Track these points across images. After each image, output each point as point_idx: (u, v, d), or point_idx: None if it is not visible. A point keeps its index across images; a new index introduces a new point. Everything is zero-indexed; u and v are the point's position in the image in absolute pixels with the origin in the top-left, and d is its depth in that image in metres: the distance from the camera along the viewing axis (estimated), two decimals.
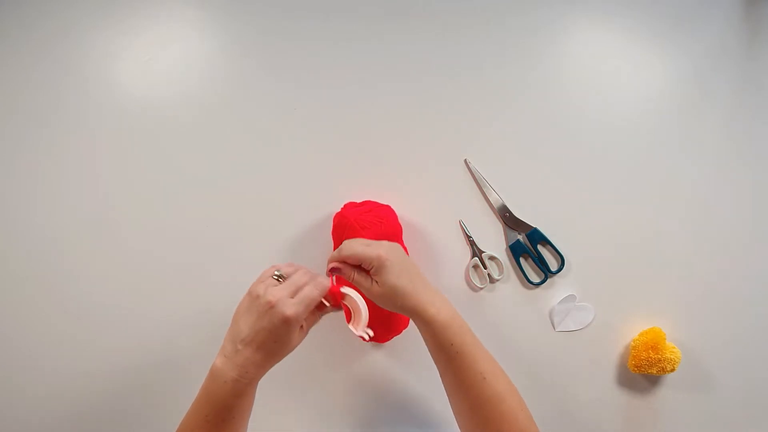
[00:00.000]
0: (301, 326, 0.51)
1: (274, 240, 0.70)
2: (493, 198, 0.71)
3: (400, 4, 0.72)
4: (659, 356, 0.66)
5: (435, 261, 0.71)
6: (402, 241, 0.67)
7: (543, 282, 0.71)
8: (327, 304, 0.54)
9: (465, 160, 0.71)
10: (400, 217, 0.69)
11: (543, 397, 0.71)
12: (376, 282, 0.53)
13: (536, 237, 0.70)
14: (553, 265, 0.71)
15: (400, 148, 0.72)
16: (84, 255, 0.70)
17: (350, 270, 0.54)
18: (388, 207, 0.68)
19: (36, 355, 0.69)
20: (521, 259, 0.71)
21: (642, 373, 0.68)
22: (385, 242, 0.55)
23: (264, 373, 0.51)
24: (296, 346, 0.51)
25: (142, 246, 0.70)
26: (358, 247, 0.53)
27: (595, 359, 0.71)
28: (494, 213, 0.71)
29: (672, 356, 0.66)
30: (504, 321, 0.71)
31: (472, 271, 0.70)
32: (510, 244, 0.70)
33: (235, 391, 0.48)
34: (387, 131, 0.72)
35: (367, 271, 0.54)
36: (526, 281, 0.71)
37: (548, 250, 0.71)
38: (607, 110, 0.72)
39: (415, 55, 0.72)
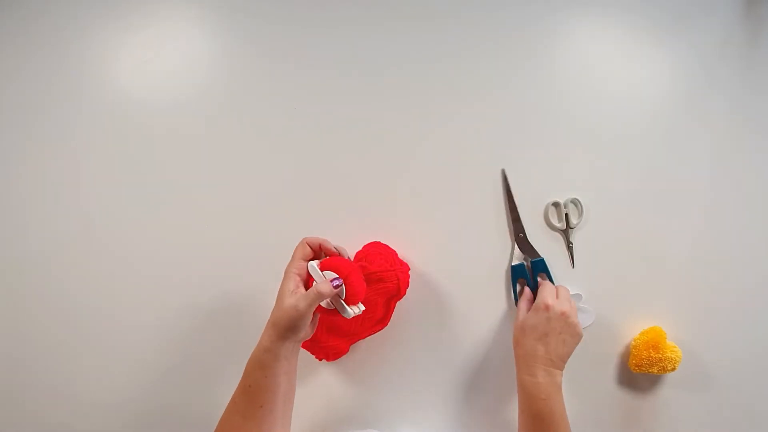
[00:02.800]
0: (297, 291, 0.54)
1: (276, 244, 0.69)
2: (513, 215, 0.70)
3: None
4: (660, 355, 0.66)
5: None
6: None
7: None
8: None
9: (503, 170, 0.71)
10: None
11: None
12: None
13: (539, 267, 0.70)
14: None
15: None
16: (78, 258, 0.69)
17: None
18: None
19: (26, 359, 0.69)
20: (517, 284, 0.70)
21: (643, 372, 0.68)
22: None
23: (278, 347, 0.52)
24: (297, 311, 0.51)
25: (138, 250, 0.70)
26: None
27: (596, 358, 0.71)
28: (509, 231, 0.71)
29: (673, 355, 0.66)
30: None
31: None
32: (513, 264, 0.70)
33: (255, 359, 0.53)
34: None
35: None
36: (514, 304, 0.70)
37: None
38: (609, 111, 0.72)
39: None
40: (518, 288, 0.70)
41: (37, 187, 0.70)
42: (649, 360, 0.66)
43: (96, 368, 0.69)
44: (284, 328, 0.52)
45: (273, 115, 0.71)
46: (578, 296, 0.70)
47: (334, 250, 0.57)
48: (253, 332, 0.55)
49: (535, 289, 0.69)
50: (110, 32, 0.71)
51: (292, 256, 0.56)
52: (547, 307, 0.62)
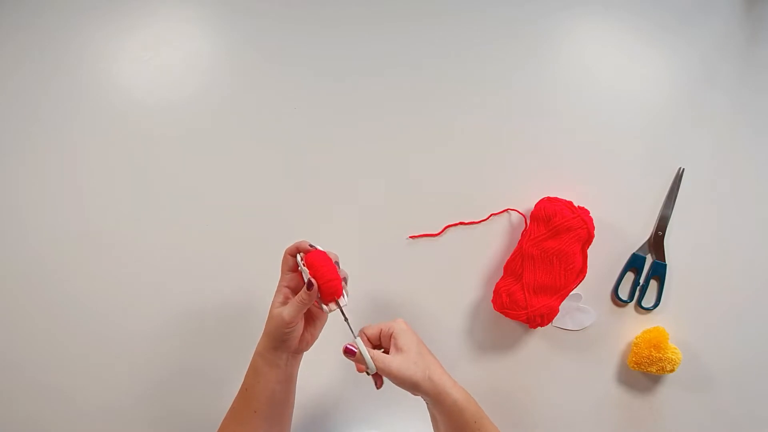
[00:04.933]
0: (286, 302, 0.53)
1: (278, 245, 0.69)
2: (665, 212, 0.70)
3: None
4: (660, 355, 0.66)
5: None
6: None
7: (625, 302, 0.70)
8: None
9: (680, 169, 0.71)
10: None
11: (543, 395, 0.70)
12: (397, 348, 0.53)
13: (657, 270, 0.70)
14: (648, 300, 0.71)
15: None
16: (77, 259, 0.69)
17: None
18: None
19: (26, 363, 0.69)
20: (628, 272, 0.71)
21: (641, 370, 0.68)
22: None
23: (271, 354, 0.52)
24: (282, 320, 0.51)
25: (138, 251, 0.70)
26: (375, 324, 0.56)
27: (596, 359, 0.71)
28: (654, 221, 0.71)
29: (673, 357, 0.66)
30: None
31: None
32: (635, 251, 0.70)
33: (251, 363, 0.54)
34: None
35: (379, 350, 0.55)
36: (614, 291, 0.71)
37: (655, 288, 0.71)
38: (609, 111, 0.72)
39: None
40: None
41: (36, 187, 0.70)
42: (649, 359, 0.66)
43: (97, 372, 0.69)
44: (274, 338, 0.52)
45: (273, 114, 0.71)
46: (578, 296, 0.70)
47: (309, 247, 0.54)
48: (256, 335, 0.55)
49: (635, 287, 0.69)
50: (110, 32, 0.71)
51: (281, 270, 0.56)
52: (404, 322, 0.55)
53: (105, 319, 0.69)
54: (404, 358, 0.52)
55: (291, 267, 0.55)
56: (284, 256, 0.55)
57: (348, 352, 0.52)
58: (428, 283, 0.71)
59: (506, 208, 0.71)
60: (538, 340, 0.71)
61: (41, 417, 0.68)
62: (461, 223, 0.71)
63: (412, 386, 0.52)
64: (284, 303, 0.53)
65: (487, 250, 0.71)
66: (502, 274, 0.69)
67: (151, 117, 0.71)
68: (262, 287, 0.68)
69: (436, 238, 0.71)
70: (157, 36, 0.72)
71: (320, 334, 0.57)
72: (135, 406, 0.69)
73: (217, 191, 0.71)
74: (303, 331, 0.54)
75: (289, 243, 0.69)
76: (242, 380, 0.55)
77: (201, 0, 0.72)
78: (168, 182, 0.70)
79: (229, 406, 0.55)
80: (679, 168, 0.71)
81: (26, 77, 0.70)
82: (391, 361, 0.51)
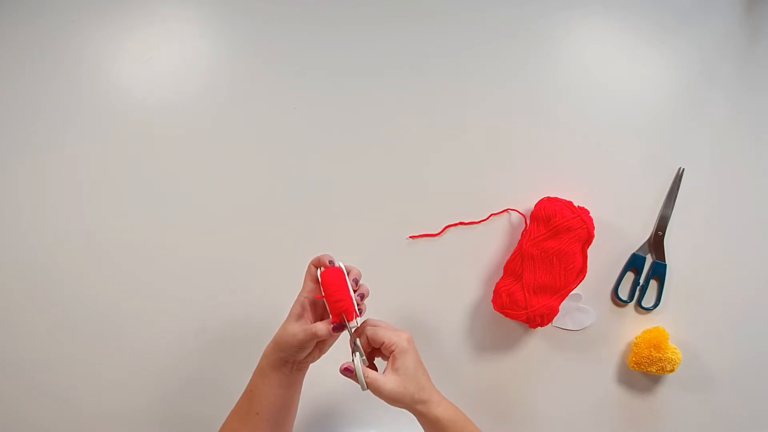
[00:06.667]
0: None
1: (281, 247, 0.70)
2: (665, 212, 0.70)
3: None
4: (660, 355, 0.66)
5: None
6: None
7: (625, 302, 0.70)
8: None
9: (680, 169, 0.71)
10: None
11: (543, 395, 0.70)
12: (394, 369, 0.52)
13: (657, 270, 0.70)
14: (648, 300, 0.71)
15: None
16: (78, 262, 0.69)
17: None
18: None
19: (29, 368, 0.68)
20: (628, 272, 0.71)
21: (640, 370, 0.68)
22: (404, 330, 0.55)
23: (277, 361, 0.53)
24: (295, 338, 0.51)
25: (139, 254, 0.70)
26: (382, 330, 0.53)
27: (597, 359, 0.71)
28: (654, 221, 0.71)
29: (673, 356, 0.66)
30: None
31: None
32: (635, 251, 0.70)
33: (258, 365, 0.54)
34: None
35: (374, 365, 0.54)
36: (614, 291, 0.71)
37: (655, 288, 0.71)
38: (610, 111, 0.72)
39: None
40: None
41: (36, 187, 0.69)
42: (649, 358, 0.66)
43: (97, 374, 0.69)
44: (280, 348, 0.52)
45: (273, 114, 0.71)
46: (578, 296, 0.70)
47: (328, 263, 0.54)
48: (263, 340, 0.55)
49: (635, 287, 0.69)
50: (110, 32, 0.71)
51: (304, 281, 0.55)
52: (409, 339, 0.53)
53: (105, 319, 0.69)
54: (397, 381, 0.51)
55: (314, 278, 0.54)
56: (309, 267, 0.55)
57: (347, 370, 0.52)
58: (428, 283, 0.71)
59: (506, 208, 0.71)
60: (538, 340, 0.71)
61: (41, 419, 0.68)
62: (461, 223, 0.71)
63: (399, 406, 0.52)
64: (300, 314, 0.53)
65: (487, 250, 0.71)
66: (502, 274, 0.69)
67: (151, 117, 0.71)
68: (260, 287, 0.69)
69: (436, 238, 0.71)
70: (157, 36, 0.72)
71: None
72: (135, 408, 0.68)
73: (217, 191, 0.70)
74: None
75: (290, 244, 0.69)
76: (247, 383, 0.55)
77: (201, 0, 0.73)
78: (168, 182, 0.70)
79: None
80: (679, 168, 0.71)
81: (26, 77, 0.70)
82: (384, 383, 0.51)
